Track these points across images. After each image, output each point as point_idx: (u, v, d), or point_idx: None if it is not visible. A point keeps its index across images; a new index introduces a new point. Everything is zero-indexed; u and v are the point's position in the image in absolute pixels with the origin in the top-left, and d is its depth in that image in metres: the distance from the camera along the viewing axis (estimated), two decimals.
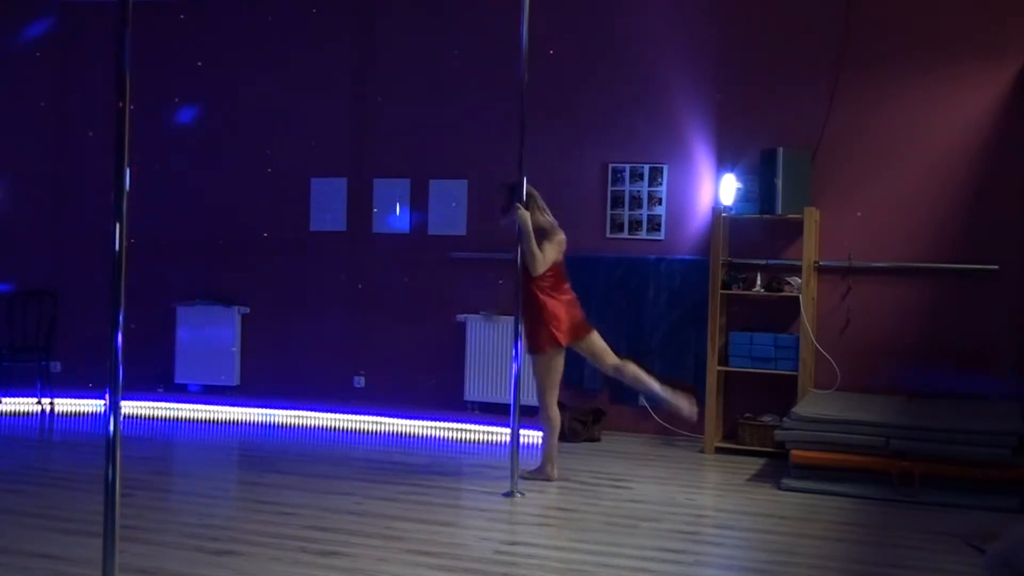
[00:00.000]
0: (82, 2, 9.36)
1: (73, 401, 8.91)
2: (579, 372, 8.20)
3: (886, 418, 6.39)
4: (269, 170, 9.12)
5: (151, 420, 8.61)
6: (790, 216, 7.40)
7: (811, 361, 7.40)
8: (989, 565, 4.45)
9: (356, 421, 8.44)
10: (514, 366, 6.22)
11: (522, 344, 6.30)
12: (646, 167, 8.14)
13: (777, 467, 6.89)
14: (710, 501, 6.30)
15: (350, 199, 8.97)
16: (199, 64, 9.23)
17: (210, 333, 9.11)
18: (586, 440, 7.83)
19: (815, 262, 7.49)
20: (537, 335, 6.31)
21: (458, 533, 5.34)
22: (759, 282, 7.55)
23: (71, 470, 6.64)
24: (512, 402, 6.19)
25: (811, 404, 6.75)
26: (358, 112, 9.00)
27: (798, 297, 7.36)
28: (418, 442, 7.88)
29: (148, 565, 4.54)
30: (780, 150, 7.34)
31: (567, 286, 6.47)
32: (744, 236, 7.77)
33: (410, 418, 8.29)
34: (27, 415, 8.68)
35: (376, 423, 8.37)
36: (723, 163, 7.86)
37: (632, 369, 6.51)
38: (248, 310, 9.19)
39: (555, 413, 6.45)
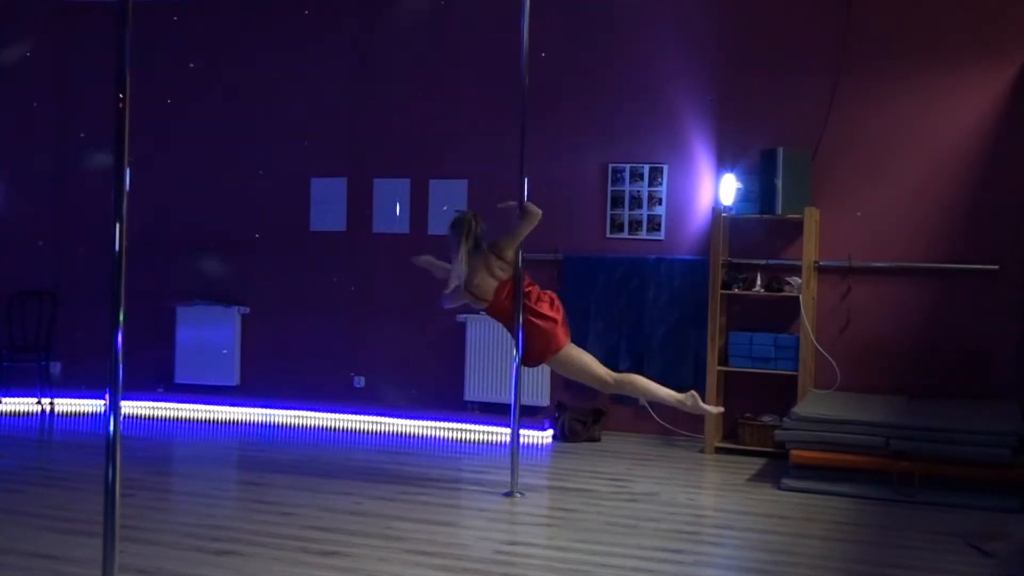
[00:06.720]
0: (82, 2, 9.36)
1: (73, 401, 8.91)
2: None
3: (886, 418, 6.38)
4: (260, 172, 9.13)
5: (151, 420, 8.62)
6: (790, 216, 7.40)
7: (811, 361, 7.39)
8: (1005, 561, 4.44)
9: (356, 421, 8.44)
10: (514, 366, 6.22)
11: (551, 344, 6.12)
12: (646, 167, 8.14)
13: (777, 467, 6.89)
14: (710, 501, 6.30)
15: (350, 199, 8.96)
16: (191, 65, 9.22)
17: (210, 333, 9.10)
18: (586, 440, 7.83)
19: (815, 262, 7.49)
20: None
21: (458, 533, 5.34)
22: (759, 282, 7.55)
23: (71, 470, 6.64)
24: (512, 402, 6.19)
25: (811, 404, 6.75)
26: (358, 112, 8.99)
27: (798, 297, 7.36)
28: (418, 442, 7.88)
29: (148, 565, 4.54)
30: (780, 150, 7.33)
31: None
32: (744, 236, 7.77)
33: (410, 418, 8.29)
34: (27, 415, 8.68)
35: (376, 423, 8.37)
36: (723, 163, 7.86)
37: None
38: (248, 310, 9.19)
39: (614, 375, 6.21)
